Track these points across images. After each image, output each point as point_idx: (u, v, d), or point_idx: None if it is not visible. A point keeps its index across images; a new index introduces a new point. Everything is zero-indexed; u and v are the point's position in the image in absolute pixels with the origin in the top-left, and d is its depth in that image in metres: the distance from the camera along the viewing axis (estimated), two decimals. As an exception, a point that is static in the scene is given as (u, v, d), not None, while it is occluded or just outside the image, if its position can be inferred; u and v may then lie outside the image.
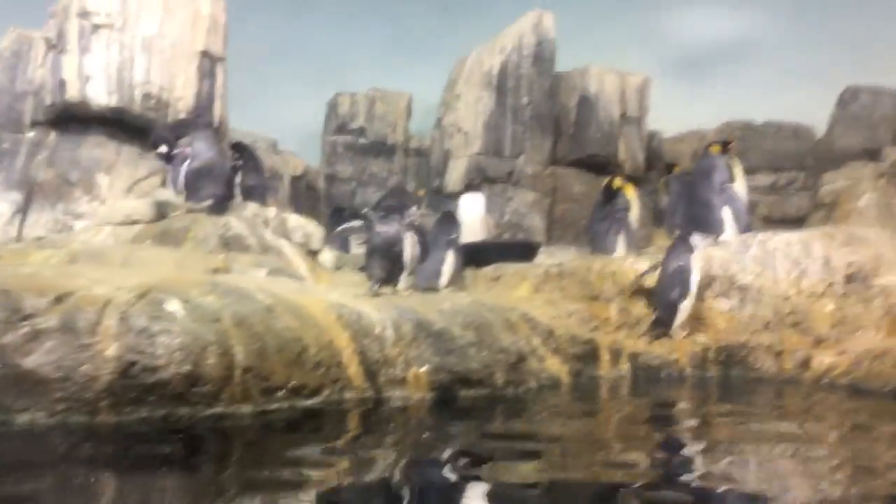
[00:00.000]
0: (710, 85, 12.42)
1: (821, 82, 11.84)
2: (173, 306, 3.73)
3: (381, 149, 12.02)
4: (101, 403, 3.34)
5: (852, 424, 4.38)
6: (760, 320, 6.50)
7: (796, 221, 10.75)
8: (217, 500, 2.52)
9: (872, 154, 10.39)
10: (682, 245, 6.58)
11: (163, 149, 6.75)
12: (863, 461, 3.22)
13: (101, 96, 7.46)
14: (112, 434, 3.24)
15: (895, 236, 7.58)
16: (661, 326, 6.40)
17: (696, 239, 6.51)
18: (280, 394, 3.83)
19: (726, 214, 7.79)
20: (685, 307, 6.35)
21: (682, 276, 6.34)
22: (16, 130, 7.76)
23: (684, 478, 2.88)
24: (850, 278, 6.53)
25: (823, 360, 6.01)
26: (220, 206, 6.60)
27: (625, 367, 6.16)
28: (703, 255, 6.93)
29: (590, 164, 10.68)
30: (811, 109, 11.85)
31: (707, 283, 6.75)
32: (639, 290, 6.76)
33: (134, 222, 6.69)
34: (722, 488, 2.70)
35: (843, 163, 10.74)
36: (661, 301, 6.44)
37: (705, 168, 8.23)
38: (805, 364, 6.08)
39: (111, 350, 3.43)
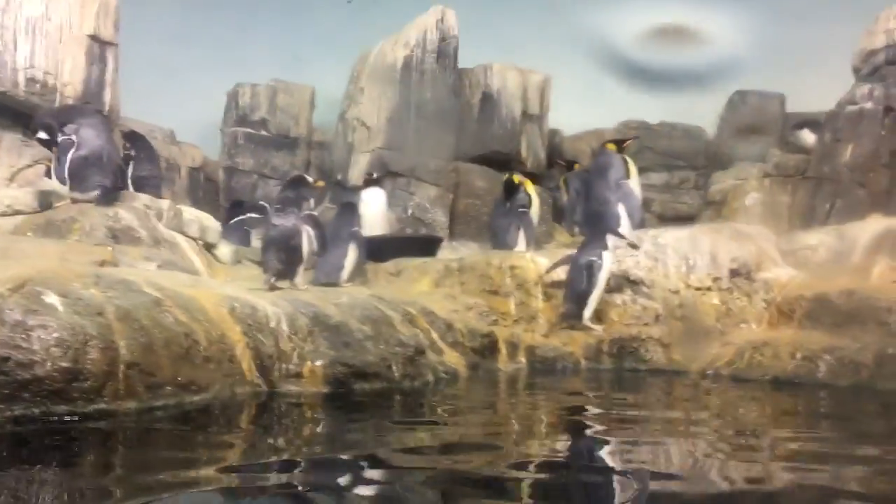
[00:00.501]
0: (608, 84, 12.72)
1: (712, 85, 12.31)
2: (51, 299, 3.55)
3: (284, 141, 11.81)
4: (-29, 401, 3.15)
5: (731, 408, 4.59)
6: (651, 313, 6.74)
7: (688, 219, 11.15)
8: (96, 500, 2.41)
9: (759, 155, 10.89)
10: (594, 241, 6.80)
11: (42, 135, 6.42)
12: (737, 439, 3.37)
13: (-20, 80, 7.06)
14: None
15: (778, 233, 8.00)
16: (572, 318, 6.59)
17: (612, 239, 6.72)
18: (167, 389, 3.70)
19: (621, 210, 8.02)
20: (593, 299, 6.55)
21: (592, 269, 6.54)
22: None
23: (578, 463, 2.94)
24: (734, 273, 6.85)
25: (710, 351, 6.28)
26: (109, 196, 6.33)
27: (522, 359, 6.28)
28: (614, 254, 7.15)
29: (492, 161, 10.78)
30: (703, 111, 12.30)
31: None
32: (542, 285, 6.91)
33: (16, 213, 6.36)
34: (617, 469, 2.78)
35: (732, 163, 11.23)
36: (572, 293, 6.61)
37: (601, 165, 8.46)
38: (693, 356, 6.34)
39: (-18, 345, 3.24)
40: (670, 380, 5.93)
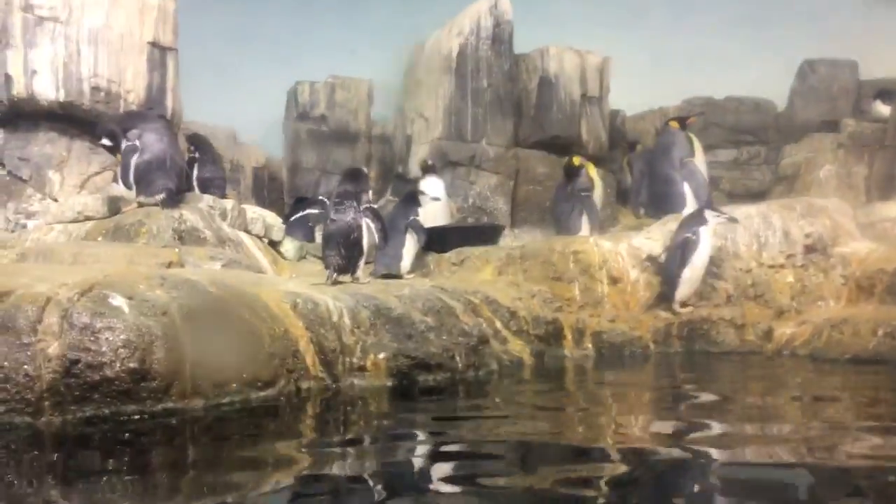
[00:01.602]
0: (670, 62, 12.39)
1: (780, 56, 11.87)
2: (118, 301, 3.62)
3: (344, 136, 11.87)
4: (44, 403, 3.24)
5: (813, 395, 4.40)
6: (722, 293, 6.53)
7: (759, 195, 10.79)
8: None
9: (832, 126, 10.45)
10: (693, 219, 6.59)
11: (106, 141, 6.58)
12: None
13: (48, 91, 7.26)
14: (57, 434, 3.14)
15: (855, 206, 7.67)
16: (665, 300, 6.44)
17: (710, 214, 6.48)
18: (233, 387, 3.75)
19: (687, 190, 7.81)
20: (686, 279, 6.35)
21: (686, 247, 6.35)
22: (-35, 130, 7.53)
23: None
24: (809, 249, 6.59)
25: (785, 331, 6.06)
26: (174, 199, 6.46)
27: (588, 345, 6.17)
28: (665, 231, 6.97)
29: (552, 146, 10.62)
30: (771, 84, 11.88)
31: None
32: (607, 269, 6.77)
33: (86, 219, 6.54)
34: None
35: (804, 135, 10.81)
36: (666, 274, 6.47)
37: (665, 144, 8.27)
38: (767, 336, 6.12)
39: (53, 348, 3.33)
40: (745, 361, 5.74)
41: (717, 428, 3.26)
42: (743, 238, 6.70)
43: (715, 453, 2.76)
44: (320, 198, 10.01)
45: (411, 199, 7.46)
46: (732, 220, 6.53)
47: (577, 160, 9.02)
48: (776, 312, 6.33)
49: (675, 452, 2.75)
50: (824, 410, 3.75)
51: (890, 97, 9.55)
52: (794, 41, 11.86)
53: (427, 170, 8.81)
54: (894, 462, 2.60)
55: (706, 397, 4.24)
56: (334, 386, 4.25)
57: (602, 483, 2.40)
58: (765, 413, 3.71)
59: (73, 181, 7.34)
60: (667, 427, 3.29)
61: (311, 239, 9.03)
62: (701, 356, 6.06)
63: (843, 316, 5.82)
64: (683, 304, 6.39)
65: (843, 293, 6.30)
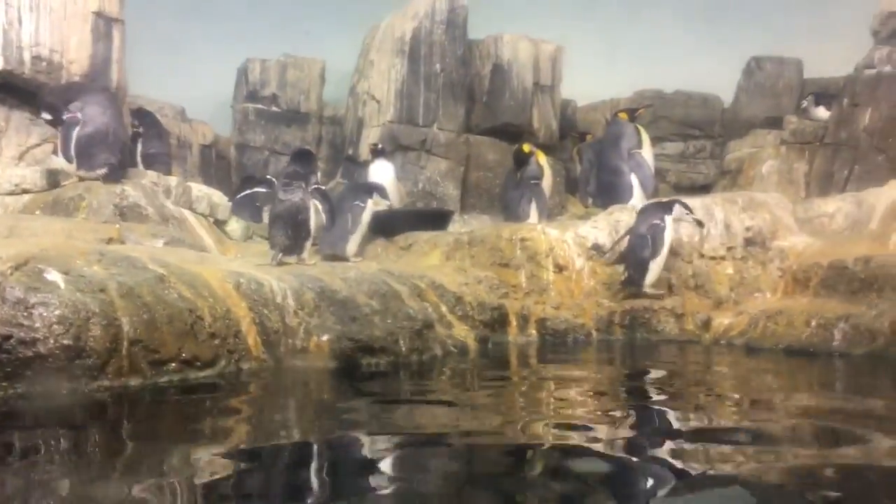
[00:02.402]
0: (623, 54, 12.51)
1: (729, 52, 12.07)
2: (53, 276, 3.54)
3: (295, 117, 11.73)
4: (-27, 379, 3.15)
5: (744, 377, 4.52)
6: (664, 283, 6.66)
7: (703, 188, 11.02)
8: (102, 479, 2.38)
9: (775, 122, 10.69)
10: (656, 207, 6.69)
11: (45, 115, 6.40)
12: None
13: (-14, 59, 7.02)
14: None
15: (794, 201, 7.87)
16: (632, 285, 6.53)
17: (678, 209, 6.63)
18: (171, 366, 3.71)
19: (634, 181, 7.93)
20: (656, 265, 6.47)
21: (655, 235, 6.46)
22: None
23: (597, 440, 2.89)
24: (749, 241, 6.75)
25: (722, 321, 6.21)
26: (116, 173, 6.32)
27: (533, 332, 6.24)
28: (611, 221, 7.07)
29: (504, 133, 10.67)
30: (719, 79, 12.08)
31: (611, 247, 6.87)
32: (553, 257, 6.84)
33: (24, 191, 6.37)
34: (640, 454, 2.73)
35: (748, 131, 11.04)
36: (632, 260, 6.54)
37: (613, 135, 8.36)
38: (705, 325, 6.27)
39: (-16, 323, 3.24)
40: (683, 349, 5.86)
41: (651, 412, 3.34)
42: (686, 230, 6.83)
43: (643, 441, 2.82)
44: (268, 178, 9.87)
45: (363, 188, 7.42)
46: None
47: (526, 147, 9.09)
48: (715, 303, 6.49)
49: (611, 443, 2.79)
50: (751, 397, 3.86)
51: (825, 100, 9.81)
52: (743, 38, 12.07)
53: (376, 153, 8.77)
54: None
55: (643, 383, 4.33)
56: (276, 367, 4.22)
57: (524, 470, 2.44)
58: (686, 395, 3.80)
59: (11, 152, 7.12)
60: (603, 414, 3.35)
61: (258, 219, 8.89)
62: (641, 344, 6.18)
63: (778, 307, 5.99)
64: (652, 287, 6.52)
65: (779, 285, 6.48)
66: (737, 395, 3.85)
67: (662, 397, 3.88)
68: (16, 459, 2.52)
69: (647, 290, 6.51)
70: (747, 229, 6.80)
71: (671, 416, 3.26)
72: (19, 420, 3.06)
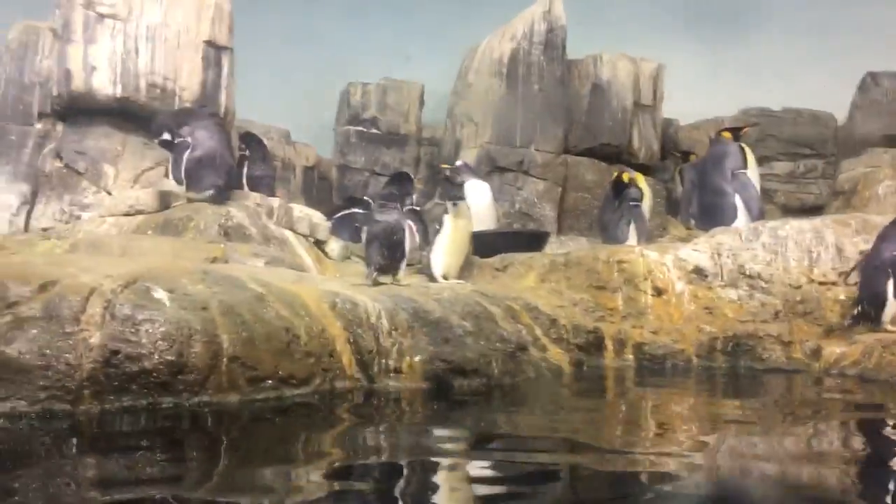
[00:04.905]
0: (727, 71, 12.18)
1: (841, 68, 11.57)
2: (159, 294, 3.69)
3: (394, 139, 11.96)
4: (84, 392, 3.30)
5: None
6: (770, 309, 6.37)
7: (814, 210, 10.56)
8: (200, 490, 2.46)
9: (893, 140, 10.16)
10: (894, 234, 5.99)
11: (165, 136, 6.73)
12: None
13: (106, 86, 7.47)
14: (95, 423, 3.20)
15: (914, 224, 7.39)
16: (867, 321, 5.94)
17: None
18: (268, 383, 3.78)
19: (738, 202, 7.66)
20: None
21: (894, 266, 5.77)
22: (24, 122, 7.79)
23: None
24: (858, 264, 6.37)
25: (834, 350, 5.88)
26: (222, 195, 6.57)
27: (629, 356, 6.08)
28: (713, 243, 6.84)
29: (602, 153, 10.54)
30: (831, 96, 11.59)
31: (716, 271, 6.63)
32: (652, 280, 6.65)
33: (138, 212, 6.69)
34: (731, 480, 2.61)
35: (864, 150, 10.52)
36: (868, 292, 5.94)
37: (717, 155, 8.11)
38: (815, 354, 5.95)
39: (95, 338, 3.39)
40: (791, 378, 5.59)
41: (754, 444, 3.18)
42: (794, 253, 6.53)
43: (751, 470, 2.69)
44: (365, 199, 10.06)
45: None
46: None
47: (625, 176, 8.92)
48: (825, 330, 6.15)
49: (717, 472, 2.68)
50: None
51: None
52: (857, 52, 11.55)
53: (458, 171, 8.71)
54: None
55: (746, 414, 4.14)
56: (369, 387, 4.25)
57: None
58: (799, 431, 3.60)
59: (127, 175, 7.52)
60: (703, 444, 3.21)
61: (357, 239, 9.05)
62: (745, 372, 5.93)
63: (894, 338, 5.63)
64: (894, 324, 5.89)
65: (896, 313, 6.08)
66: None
67: (775, 428, 3.69)
68: (121, 470, 2.63)
69: (888, 326, 5.86)
70: (861, 253, 6.43)
71: (785, 449, 3.10)
72: (124, 432, 3.18)
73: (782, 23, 12.23)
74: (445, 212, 6.78)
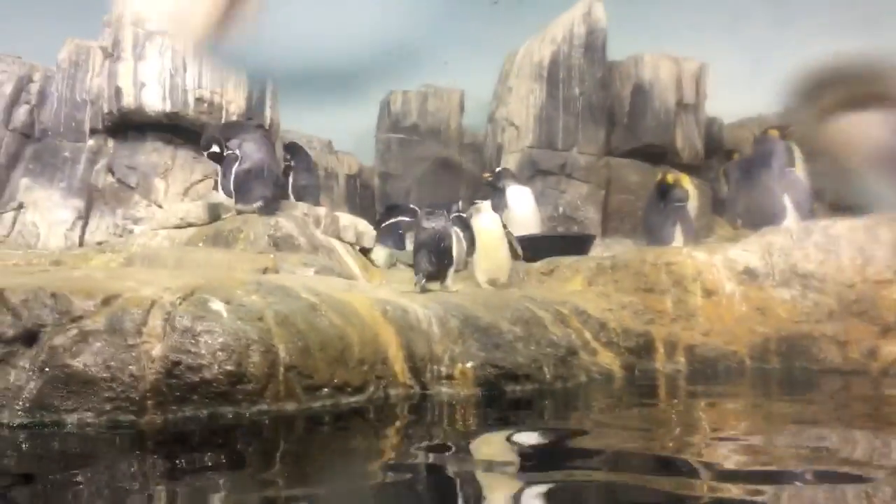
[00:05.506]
0: (771, 67, 11.99)
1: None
2: (217, 306, 3.76)
3: (436, 145, 12.01)
4: (147, 402, 3.38)
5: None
6: (824, 309, 6.26)
7: (866, 208, 10.32)
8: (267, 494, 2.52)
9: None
10: None
11: (214, 149, 6.87)
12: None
13: (155, 102, 7.64)
14: (159, 433, 3.28)
15: (971, 218, 7.21)
16: None
17: None
18: (324, 391, 3.83)
19: (787, 201, 7.55)
20: None
21: None
22: (76, 139, 8.00)
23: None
24: (919, 263, 6.23)
25: (892, 349, 5.76)
26: (270, 206, 6.68)
27: (681, 359, 6.02)
28: (763, 243, 6.75)
29: (646, 154, 10.46)
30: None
31: (767, 271, 6.54)
32: (701, 281, 6.58)
33: (189, 225, 6.83)
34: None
35: (912, 144, 10.27)
36: None
37: (764, 153, 8.01)
38: (872, 354, 5.84)
39: (157, 350, 3.47)
40: (848, 380, 5.48)
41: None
42: (847, 252, 6.41)
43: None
44: (411, 206, 10.14)
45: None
46: None
47: (670, 178, 8.84)
48: (882, 330, 6.03)
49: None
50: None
51: None
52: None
53: (499, 177, 8.73)
54: None
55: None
56: (422, 393, 4.28)
57: None
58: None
59: (177, 188, 7.67)
60: (769, 456, 3.18)
61: (402, 247, 9.15)
62: (800, 373, 5.83)
63: (956, 336, 5.50)
64: None
65: (956, 311, 5.94)
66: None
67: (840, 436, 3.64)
68: (184, 475, 2.69)
69: None
70: (918, 250, 6.30)
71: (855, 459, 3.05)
72: (187, 441, 3.26)
73: (829, 15, 12.00)
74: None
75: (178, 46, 7.66)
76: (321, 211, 7.31)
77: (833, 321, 6.18)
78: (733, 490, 2.44)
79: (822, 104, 8.17)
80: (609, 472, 2.77)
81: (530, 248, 7.70)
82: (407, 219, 9.55)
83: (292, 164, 8.54)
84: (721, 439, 3.41)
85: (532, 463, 2.96)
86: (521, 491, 2.51)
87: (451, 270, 5.77)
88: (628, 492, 2.50)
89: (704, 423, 3.90)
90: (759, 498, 2.34)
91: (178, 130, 7.80)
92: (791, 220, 7.52)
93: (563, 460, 3.01)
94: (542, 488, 2.52)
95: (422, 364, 4.40)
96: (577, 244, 8.17)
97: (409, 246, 8.85)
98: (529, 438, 3.47)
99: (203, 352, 3.52)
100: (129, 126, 7.86)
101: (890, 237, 6.41)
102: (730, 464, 2.83)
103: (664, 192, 8.70)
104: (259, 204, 6.61)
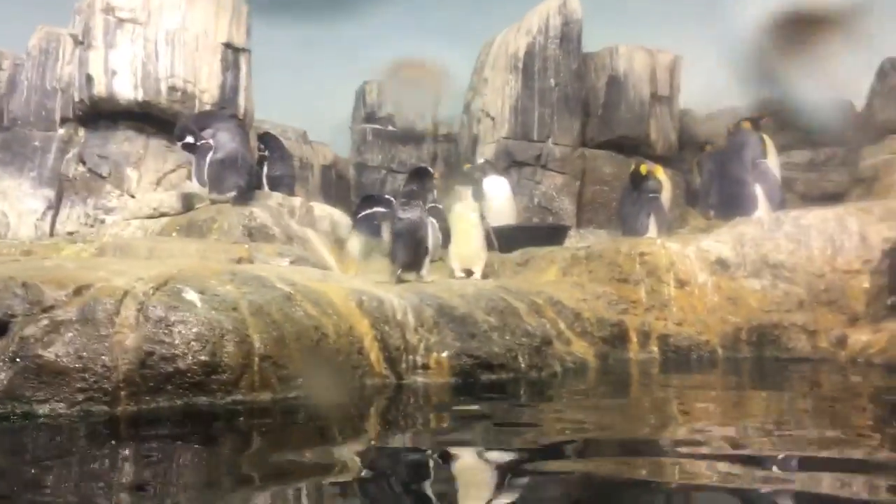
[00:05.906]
0: (744, 59, 12.09)
1: (859, 55, 11.46)
2: (191, 296, 3.73)
3: (410, 136, 11.99)
4: (120, 393, 3.35)
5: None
6: (794, 299, 6.36)
7: (835, 198, 10.46)
8: (240, 485, 2.51)
9: (914, 126, 10.07)
10: None
11: (188, 139, 6.80)
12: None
13: (127, 91, 7.54)
14: (132, 423, 3.25)
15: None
16: None
17: None
18: (299, 381, 3.82)
19: (759, 192, 7.64)
20: None
21: None
22: (46, 128, 7.89)
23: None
24: (887, 254, 6.35)
25: (860, 338, 5.87)
26: (245, 196, 6.64)
27: (654, 348, 6.09)
28: (735, 234, 6.83)
29: (620, 146, 10.52)
30: (850, 83, 11.49)
31: (739, 261, 6.62)
32: (674, 271, 6.65)
33: (162, 215, 6.77)
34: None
35: (884, 137, 10.43)
36: None
37: (736, 144, 8.09)
38: (840, 343, 5.94)
39: (130, 340, 3.44)
40: (817, 368, 5.57)
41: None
42: (817, 242, 6.51)
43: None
44: (387, 197, 10.12)
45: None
46: None
47: (643, 169, 8.90)
48: (850, 319, 6.14)
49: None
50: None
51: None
52: (875, 39, 11.43)
53: (479, 169, 8.75)
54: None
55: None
56: (397, 383, 4.29)
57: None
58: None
59: (150, 178, 7.59)
60: (737, 443, 3.22)
61: (377, 237, 9.12)
62: (771, 362, 5.92)
63: (923, 324, 5.61)
64: None
65: (923, 300, 6.06)
66: None
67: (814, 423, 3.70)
68: (155, 464, 2.68)
69: None
70: (885, 240, 6.40)
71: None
72: (161, 431, 3.24)
73: (799, 10, 12.10)
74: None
75: (149, 34, 7.56)
76: (296, 201, 7.28)
77: (803, 311, 6.28)
78: (704, 475, 2.48)
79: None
80: (578, 460, 2.80)
81: (506, 239, 7.72)
82: (383, 209, 9.52)
83: (266, 153, 8.48)
84: (691, 427, 3.45)
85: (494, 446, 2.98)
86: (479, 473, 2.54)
87: (427, 261, 5.77)
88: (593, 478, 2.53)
89: (673, 414, 3.94)
90: (731, 484, 2.38)
91: (150, 119, 7.71)
92: (763, 210, 7.61)
93: (527, 445, 3.03)
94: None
95: (397, 354, 4.40)
96: (552, 235, 8.21)
97: (385, 236, 8.83)
98: (500, 427, 3.49)
99: (177, 342, 3.49)
100: (100, 115, 7.76)
101: (858, 227, 6.51)
102: (701, 449, 2.87)
103: (638, 183, 8.76)
104: (233, 194, 6.56)
